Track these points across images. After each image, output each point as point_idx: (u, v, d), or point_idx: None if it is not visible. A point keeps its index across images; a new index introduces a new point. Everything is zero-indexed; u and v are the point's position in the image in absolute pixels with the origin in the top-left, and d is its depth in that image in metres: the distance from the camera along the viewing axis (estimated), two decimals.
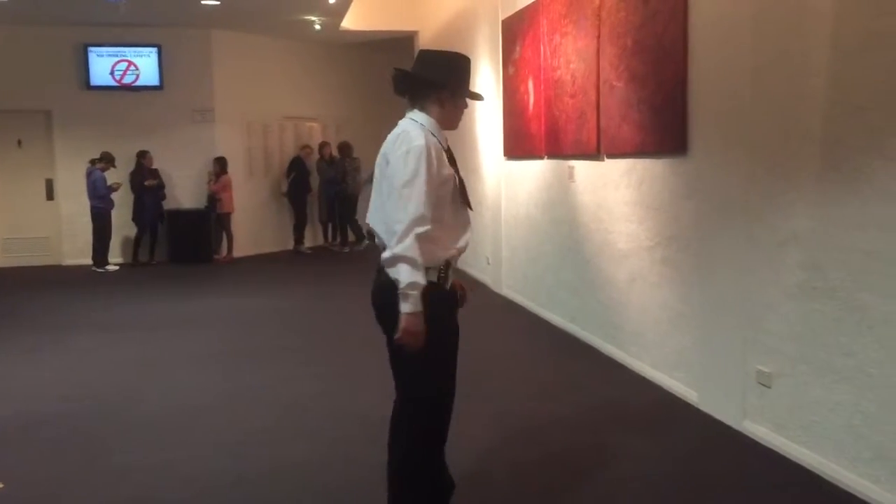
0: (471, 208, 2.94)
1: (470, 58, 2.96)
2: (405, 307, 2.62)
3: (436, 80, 2.82)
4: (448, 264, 2.83)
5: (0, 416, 4.71)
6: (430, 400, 2.88)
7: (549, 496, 3.48)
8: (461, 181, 2.88)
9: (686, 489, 3.53)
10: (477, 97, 2.99)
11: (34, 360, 6.17)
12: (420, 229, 2.62)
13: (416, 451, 2.89)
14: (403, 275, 2.60)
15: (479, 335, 6.70)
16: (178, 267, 11.62)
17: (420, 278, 2.62)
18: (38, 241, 12.18)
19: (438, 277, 2.79)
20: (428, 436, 2.92)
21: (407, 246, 2.61)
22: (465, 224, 2.91)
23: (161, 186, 11.81)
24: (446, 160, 2.80)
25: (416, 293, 2.62)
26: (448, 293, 2.87)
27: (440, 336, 2.80)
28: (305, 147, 13.34)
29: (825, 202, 3.54)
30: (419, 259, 2.61)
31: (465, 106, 2.94)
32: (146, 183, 11.55)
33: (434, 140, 2.76)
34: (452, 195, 2.83)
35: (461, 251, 2.89)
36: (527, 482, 3.64)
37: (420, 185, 2.64)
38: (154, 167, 11.89)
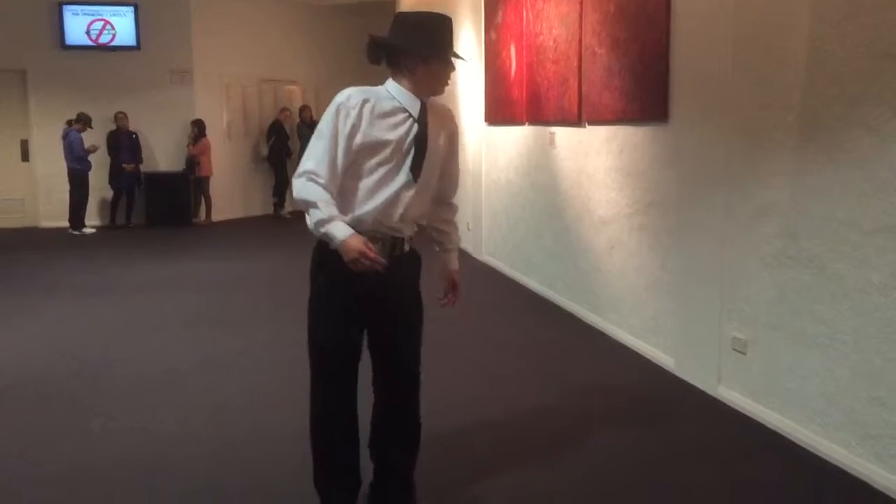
0: (413, 179, 2.69)
1: (448, 17, 2.79)
2: (332, 245, 2.58)
3: (401, 45, 2.67)
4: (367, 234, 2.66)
5: None
6: (314, 362, 2.82)
7: (524, 460, 3.52)
8: (418, 151, 2.69)
9: (661, 453, 3.58)
10: (453, 58, 2.77)
11: (11, 323, 6.12)
12: (315, 176, 2.59)
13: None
14: (309, 219, 2.59)
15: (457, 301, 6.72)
16: (155, 230, 11.53)
17: (323, 213, 2.54)
18: (14, 202, 12.05)
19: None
20: (314, 406, 2.86)
21: (298, 189, 2.60)
22: (395, 193, 2.68)
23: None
24: (392, 124, 2.65)
25: (328, 228, 2.55)
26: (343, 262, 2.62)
27: (317, 297, 2.76)
28: (284, 110, 13.22)
29: (803, 171, 3.56)
30: (313, 197, 2.55)
31: (447, 69, 2.75)
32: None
33: (380, 102, 2.64)
34: (390, 160, 2.66)
35: (381, 222, 2.69)
36: (502, 447, 3.68)
37: (322, 141, 2.62)
38: (131, 129, 11.76)
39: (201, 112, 12.18)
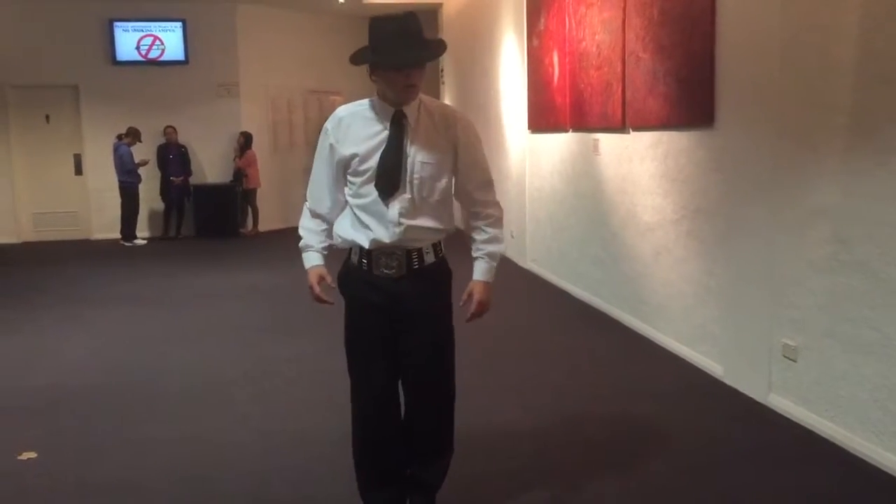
0: (382, 195, 2.61)
1: (407, 15, 2.60)
2: None
3: (354, 56, 2.65)
4: (368, 252, 2.65)
5: (31, 387, 4.81)
6: (352, 387, 2.84)
7: (573, 469, 3.50)
8: (382, 165, 2.60)
9: (711, 463, 3.53)
10: (385, 65, 2.56)
11: (64, 333, 6.28)
12: (308, 204, 2.83)
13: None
14: None
15: (502, 309, 6.71)
16: (204, 241, 11.72)
17: (303, 241, 2.82)
18: (67, 215, 12.34)
19: (359, 261, 2.69)
20: (355, 428, 2.86)
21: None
22: (372, 213, 2.64)
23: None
24: (362, 136, 2.63)
25: (303, 257, 2.82)
26: (362, 277, 2.68)
27: (346, 326, 2.80)
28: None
29: (853, 175, 3.50)
30: (301, 225, 2.84)
31: (397, 75, 2.56)
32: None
33: (356, 116, 2.68)
34: (368, 173, 2.63)
35: (374, 243, 2.64)
36: (550, 456, 3.66)
37: (315, 164, 2.80)
38: (180, 143, 11.98)
39: (248, 124, 12.36)
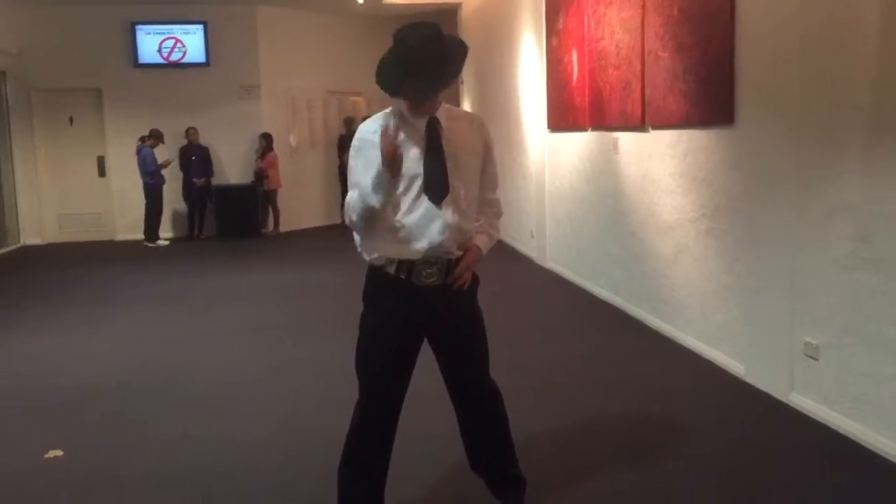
0: (435, 200, 2.66)
1: (423, 33, 2.63)
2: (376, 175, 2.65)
3: (377, 79, 2.67)
4: (410, 264, 2.68)
5: (59, 387, 4.88)
6: (361, 388, 2.85)
7: (593, 467, 3.51)
8: (429, 171, 2.65)
9: (732, 461, 3.53)
10: (420, 98, 2.64)
11: (90, 332, 6.36)
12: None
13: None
14: (358, 218, 2.73)
15: (521, 308, 6.73)
16: (226, 241, 11.82)
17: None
18: (92, 216, 12.49)
19: (396, 272, 2.70)
20: (352, 431, 2.89)
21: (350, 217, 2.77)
22: (419, 221, 2.66)
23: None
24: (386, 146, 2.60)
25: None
26: (398, 288, 2.71)
27: (367, 336, 2.80)
28: (347, 118, 13.37)
29: (874, 172, 3.48)
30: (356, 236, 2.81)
31: (411, 96, 2.65)
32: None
33: (385, 124, 2.62)
34: (410, 186, 2.66)
35: (420, 253, 2.68)
36: (568, 453, 3.68)
37: (357, 175, 2.71)
38: (202, 143, 12.08)
39: (268, 125, 12.45)
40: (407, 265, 2.69)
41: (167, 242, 11.84)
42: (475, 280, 2.87)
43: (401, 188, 2.64)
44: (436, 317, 2.75)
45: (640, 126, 5.88)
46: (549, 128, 8.27)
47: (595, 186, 6.99)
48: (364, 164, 2.67)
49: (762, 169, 4.32)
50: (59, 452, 3.81)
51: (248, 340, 5.92)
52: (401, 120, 2.68)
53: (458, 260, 2.75)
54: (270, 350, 5.61)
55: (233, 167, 12.62)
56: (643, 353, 5.26)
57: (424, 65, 2.58)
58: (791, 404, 4.12)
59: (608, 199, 6.66)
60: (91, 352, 5.77)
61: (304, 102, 13.26)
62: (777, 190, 4.18)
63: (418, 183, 2.65)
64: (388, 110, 2.75)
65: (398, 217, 2.67)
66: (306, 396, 4.58)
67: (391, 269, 2.70)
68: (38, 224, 12.29)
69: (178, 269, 9.57)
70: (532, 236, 8.95)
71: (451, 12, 12.66)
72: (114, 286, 8.46)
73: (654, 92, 5.58)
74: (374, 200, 2.60)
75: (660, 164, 5.63)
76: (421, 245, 2.66)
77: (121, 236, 12.41)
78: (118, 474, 3.59)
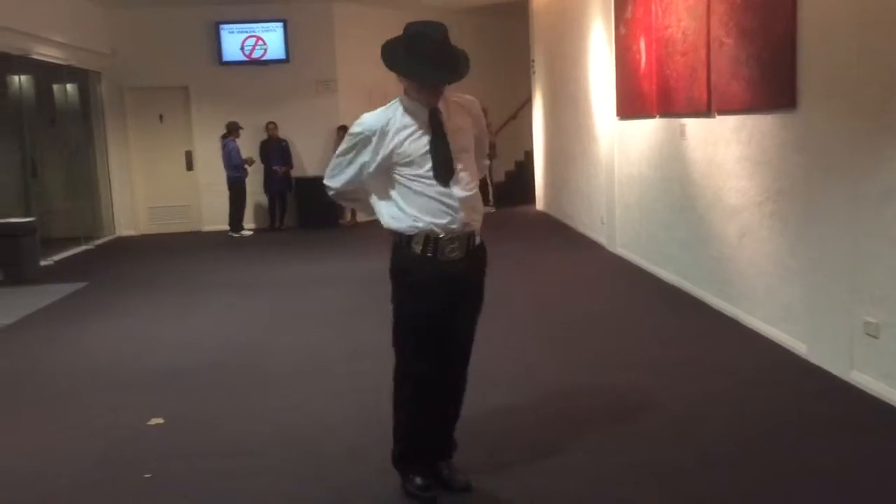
0: (443, 182, 2.97)
1: (435, 27, 2.95)
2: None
3: (386, 63, 3.02)
4: (428, 237, 2.98)
5: (154, 365, 5.28)
6: (399, 367, 3.16)
7: (654, 439, 3.69)
8: (436, 156, 2.97)
9: (795, 436, 3.66)
10: (428, 82, 2.95)
11: (181, 316, 6.80)
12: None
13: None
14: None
15: (592, 293, 6.89)
16: (305, 232, 12.25)
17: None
18: (180, 208, 13.08)
19: (423, 250, 3.00)
20: (399, 404, 3.20)
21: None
22: (436, 200, 2.97)
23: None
24: (406, 139, 2.97)
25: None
26: (427, 264, 3.00)
27: (401, 300, 3.10)
28: None
29: None
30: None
31: (423, 84, 2.96)
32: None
33: (393, 121, 2.99)
34: (421, 169, 2.97)
35: (444, 228, 2.98)
36: (628, 428, 3.86)
37: (342, 162, 3.17)
38: (282, 137, 12.53)
39: (346, 118, 12.79)
40: (433, 242, 2.98)
41: (251, 233, 12.35)
42: (485, 251, 3.18)
43: (414, 171, 2.97)
44: (460, 290, 3.07)
45: (706, 112, 5.97)
46: (618, 115, 8.37)
47: (663, 172, 7.08)
48: (354, 157, 3.09)
49: (822, 152, 4.40)
50: (160, 420, 4.19)
51: (326, 324, 6.24)
52: (406, 109, 3.00)
53: (473, 236, 3.07)
54: (348, 333, 5.92)
55: (311, 160, 13.02)
56: (708, 334, 5.38)
57: (448, 58, 2.94)
58: (852, 382, 4.20)
59: (675, 184, 6.76)
60: (182, 334, 6.18)
61: (379, 95, 13.48)
62: (835, 172, 4.26)
63: (428, 165, 2.96)
64: (393, 102, 3.06)
65: (415, 195, 2.98)
66: (381, 376, 4.81)
67: (418, 248, 3.00)
68: (131, 216, 12.96)
69: (260, 257, 10.02)
70: (602, 223, 9.06)
71: (523, 3, 12.79)
72: (201, 273, 8.94)
73: (719, 78, 5.66)
74: (335, 185, 3.24)
75: (725, 149, 5.71)
76: (442, 221, 2.97)
77: (207, 227, 12.96)
78: (210, 440, 3.95)
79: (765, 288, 5.21)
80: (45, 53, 10.39)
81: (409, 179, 2.99)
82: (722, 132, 5.76)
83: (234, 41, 12.68)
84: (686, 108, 6.36)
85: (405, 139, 2.98)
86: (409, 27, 2.99)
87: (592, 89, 9.39)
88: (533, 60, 13.01)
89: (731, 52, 5.44)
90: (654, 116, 7.20)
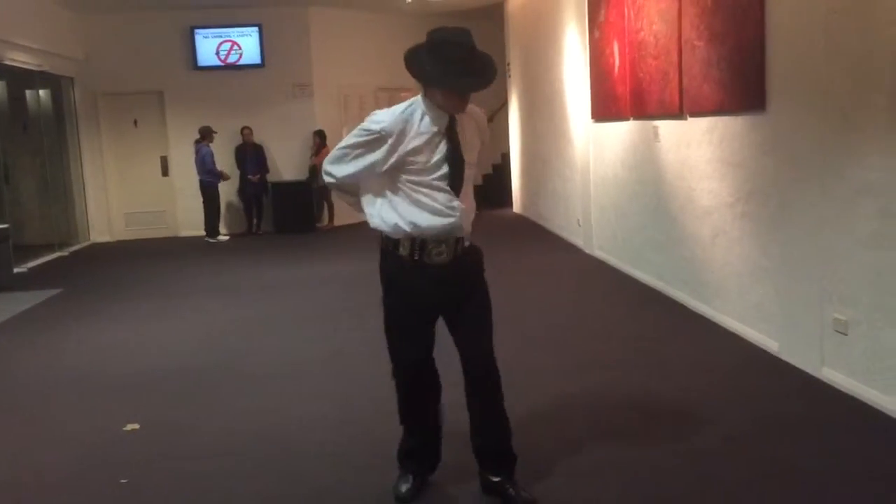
0: (453, 194, 2.95)
1: (463, 35, 2.92)
2: None
3: (414, 73, 2.92)
4: (414, 240, 2.94)
5: (131, 370, 5.27)
6: (394, 363, 3.19)
7: (629, 437, 3.73)
8: (453, 167, 2.94)
9: (766, 433, 3.70)
10: (454, 90, 2.88)
11: (158, 321, 6.77)
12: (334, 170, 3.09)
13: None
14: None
15: (570, 295, 6.94)
16: (283, 236, 12.22)
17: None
18: (156, 214, 13.00)
19: (410, 252, 2.96)
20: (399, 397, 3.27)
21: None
22: (437, 208, 2.93)
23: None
24: (423, 140, 2.90)
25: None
26: (407, 263, 2.98)
27: (389, 313, 3.11)
28: None
29: (895, 152, 3.62)
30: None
31: (451, 92, 2.88)
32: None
33: (410, 123, 2.90)
34: (431, 174, 2.93)
35: (428, 231, 2.93)
36: (605, 424, 3.91)
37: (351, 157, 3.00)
38: (256, 142, 12.50)
39: (322, 123, 12.81)
40: (420, 245, 2.95)
41: (227, 238, 12.30)
42: (478, 252, 3.14)
43: (421, 177, 2.92)
44: (447, 292, 3.02)
45: (677, 114, 6.04)
46: (593, 118, 8.44)
47: (637, 174, 7.15)
48: (363, 153, 2.94)
49: (791, 153, 4.48)
50: (135, 426, 4.18)
51: (304, 326, 6.25)
52: (426, 114, 2.93)
53: (461, 241, 3.02)
54: (325, 335, 5.93)
55: (288, 164, 13.01)
56: (682, 333, 5.44)
57: (479, 65, 2.91)
58: (823, 379, 4.27)
59: (649, 186, 6.83)
60: (159, 338, 6.15)
61: (355, 99, 13.59)
62: (805, 172, 4.33)
63: (442, 171, 2.93)
64: (412, 102, 2.97)
65: (414, 201, 2.93)
66: (358, 377, 4.87)
67: (405, 251, 2.97)
68: (106, 222, 12.88)
69: (238, 262, 9.99)
70: (579, 225, 9.13)
71: (497, 7, 12.86)
72: (178, 279, 8.91)
73: (691, 80, 5.74)
74: (337, 174, 3.02)
75: (697, 151, 5.79)
76: (437, 223, 2.93)
77: (183, 233, 12.90)
78: (187, 443, 3.94)
79: (737, 287, 5.28)
80: (17, 59, 10.31)
81: (414, 185, 2.93)
82: (694, 134, 5.83)
83: (209, 46, 12.64)
84: (659, 110, 6.43)
85: (422, 144, 2.90)
86: (435, 34, 2.93)
87: (567, 92, 9.47)
88: (508, 64, 13.08)
89: (703, 54, 5.51)
90: (627, 119, 7.28)
